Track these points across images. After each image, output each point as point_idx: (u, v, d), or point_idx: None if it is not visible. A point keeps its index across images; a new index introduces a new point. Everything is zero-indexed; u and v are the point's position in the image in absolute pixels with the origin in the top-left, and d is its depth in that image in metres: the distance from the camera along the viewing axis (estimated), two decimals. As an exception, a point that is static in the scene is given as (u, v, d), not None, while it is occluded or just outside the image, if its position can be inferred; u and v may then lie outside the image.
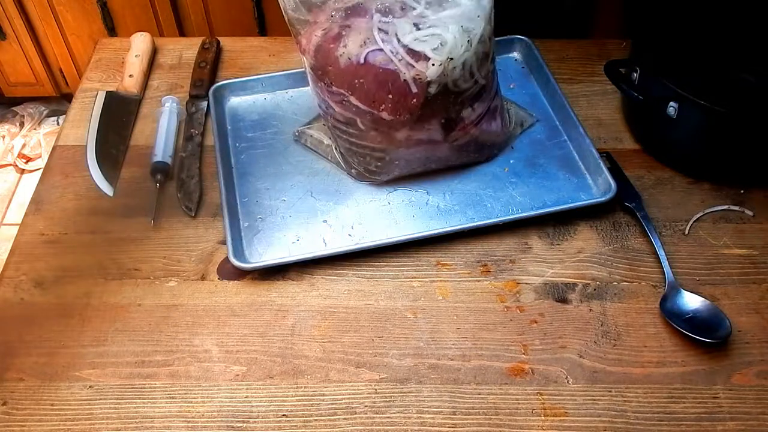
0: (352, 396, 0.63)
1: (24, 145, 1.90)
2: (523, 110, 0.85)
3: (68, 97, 1.89)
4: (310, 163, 0.82)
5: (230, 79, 0.90)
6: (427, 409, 0.62)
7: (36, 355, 0.66)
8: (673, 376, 0.64)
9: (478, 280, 0.71)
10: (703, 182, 0.80)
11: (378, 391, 0.63)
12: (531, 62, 0.91)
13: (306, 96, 0.87)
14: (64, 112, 1.59)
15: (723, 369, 0.65)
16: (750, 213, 0.77)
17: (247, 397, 0.63)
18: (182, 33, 1.69)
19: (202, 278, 0.72)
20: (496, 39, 0.74)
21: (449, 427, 0.61)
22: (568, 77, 0.91)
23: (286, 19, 0.71)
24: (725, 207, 0.77)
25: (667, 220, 0.76)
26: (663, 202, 0.78)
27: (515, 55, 0.94)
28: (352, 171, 0.79)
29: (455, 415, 0.62)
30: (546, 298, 0.70)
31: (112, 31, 1.70)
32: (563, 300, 0.70)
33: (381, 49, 0.67)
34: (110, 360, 0.65)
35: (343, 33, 0.69)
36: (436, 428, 0.61)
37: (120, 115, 0.87)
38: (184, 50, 0.96)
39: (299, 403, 0.63)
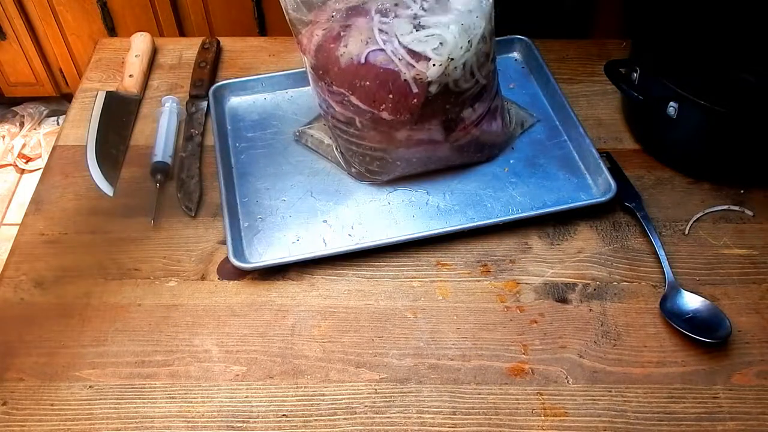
0: (352, 396, 0.63)
1: (24, 145, 1.90)
2: (524, 110, 0.85)
3: (68, 97, 1.89)
4: (310, 163, 0.82)
5: (230, 79, 0.89)
6: (427, 409, 0.62)
7: (36, 355, 0.66)
8: (673, 376, 0.64)
9: (478, 280, 0.71)
10: (703, 182, 0.80)
11: (378, 391, 0.63)
12: (531, 62, 0.91)
13: (306, 96, 0.87)
14: (64, 112, 1.59)
15: (723, 369, 0.65)
16: (750, 213, 0.77)
17: (247, 397, 0.63)
18: (182, 33, 1.69)
19: (202, 278, 0.72)
20: (496, 39, 0.74)
21: (449, 427, 0.61)
22: (568, 77, 0.91)
23: (287, 19, 0.71)
24: (725, 207, 0.77)
25: (667, 220, 0.76)
26: (663, 202, 0.78)
27: (515, 55, 0.93)
28: (353, 171, 0.79)
29: (455, 415, 0.62)
30: (546, 298, 0.70)
31: (112, 31, 1.70)
32: (563, 300, 0.70)
33: (382, 49, 0.68)
34: (110, 360, 0.65)
35: (344, 33, 0.69)
36: (436, 428, 0.61)
37: (120, 115, 0.87)
38: (184, 50, 0.96)
39: (299, 403, 0.63)
